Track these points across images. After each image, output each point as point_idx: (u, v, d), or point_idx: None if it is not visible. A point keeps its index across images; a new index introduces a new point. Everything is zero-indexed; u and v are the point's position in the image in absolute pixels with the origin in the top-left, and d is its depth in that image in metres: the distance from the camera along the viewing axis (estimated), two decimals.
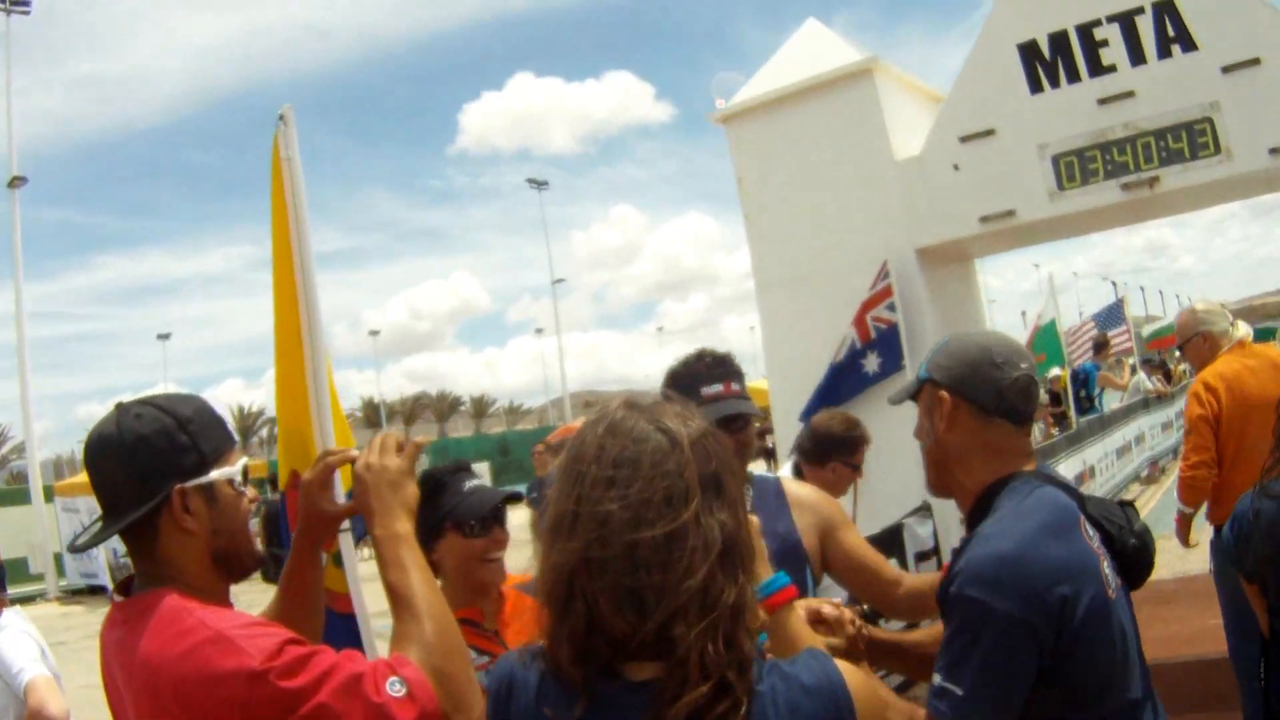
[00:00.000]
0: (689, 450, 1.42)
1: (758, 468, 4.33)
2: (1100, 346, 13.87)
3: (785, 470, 4.69)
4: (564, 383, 53.98)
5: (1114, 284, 24.80)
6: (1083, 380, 13.69)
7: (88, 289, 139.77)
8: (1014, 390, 2.01)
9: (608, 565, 1.36)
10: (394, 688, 1.58)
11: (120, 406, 1.86)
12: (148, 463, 1.77)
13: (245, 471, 1.91)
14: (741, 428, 2.68)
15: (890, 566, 2.76)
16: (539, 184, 57.44)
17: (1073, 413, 13.03)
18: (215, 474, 1.83)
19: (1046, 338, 12.32)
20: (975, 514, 2.04)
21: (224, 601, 1.85)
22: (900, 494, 5.53)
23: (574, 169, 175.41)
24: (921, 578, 2.80)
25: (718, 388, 2.71)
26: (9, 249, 24.74)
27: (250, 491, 1.92)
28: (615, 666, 1.39)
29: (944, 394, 2.04)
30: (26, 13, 27.83)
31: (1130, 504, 2.11)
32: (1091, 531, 1.93)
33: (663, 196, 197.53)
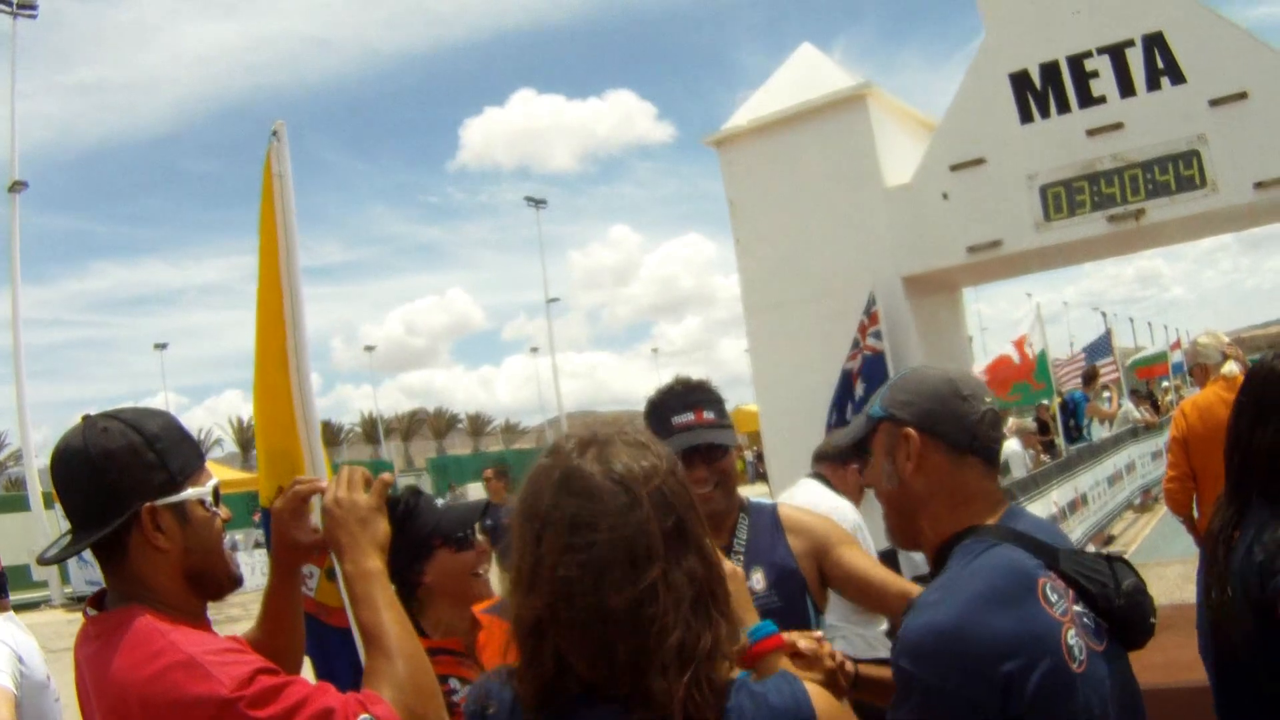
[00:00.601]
0: (648, 504, 1.38)
1: (755, 490, 4.35)
2: (1089, 378, 13.94)
3: (798, 489, 4.67)
4: (559, 402, 53.98)
5: (1103, 314, 24.86)
6: (1071, 410, 13.76)
7: (85, 296, 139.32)
8: (984, 425, 1.85)
9: (575, 623, 1.34)
10: None
11: (86, 419, 1.82)
12: (116, 479, 1.74)
13: (216, 491, 1.88)
14: (718, 457, 2.60)
15: (898, 581, 2.59)
16: (537, 202, 57.59)
17: (1062, 441, 13.09)
18: (187, 494, 1.80)
19: (1040, 367, 12.36)
20: (937, 567, 1.90)
21: (199, 621, 1.83)
22: None
23: (573, 187, 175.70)
24: None
25: (688, 417, 2.63)
26: (7, 254, 24.71)
27: (223, 512, 1.89)
28: (587, 698, 1.38)
29: (910, 431, 1.86)
30: (33, 16, 27.83)
31: (1119, 558, 1.85)
32: (1055, 596, 1.72)
33: (660, 217, 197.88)
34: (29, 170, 25.29)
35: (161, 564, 1.78)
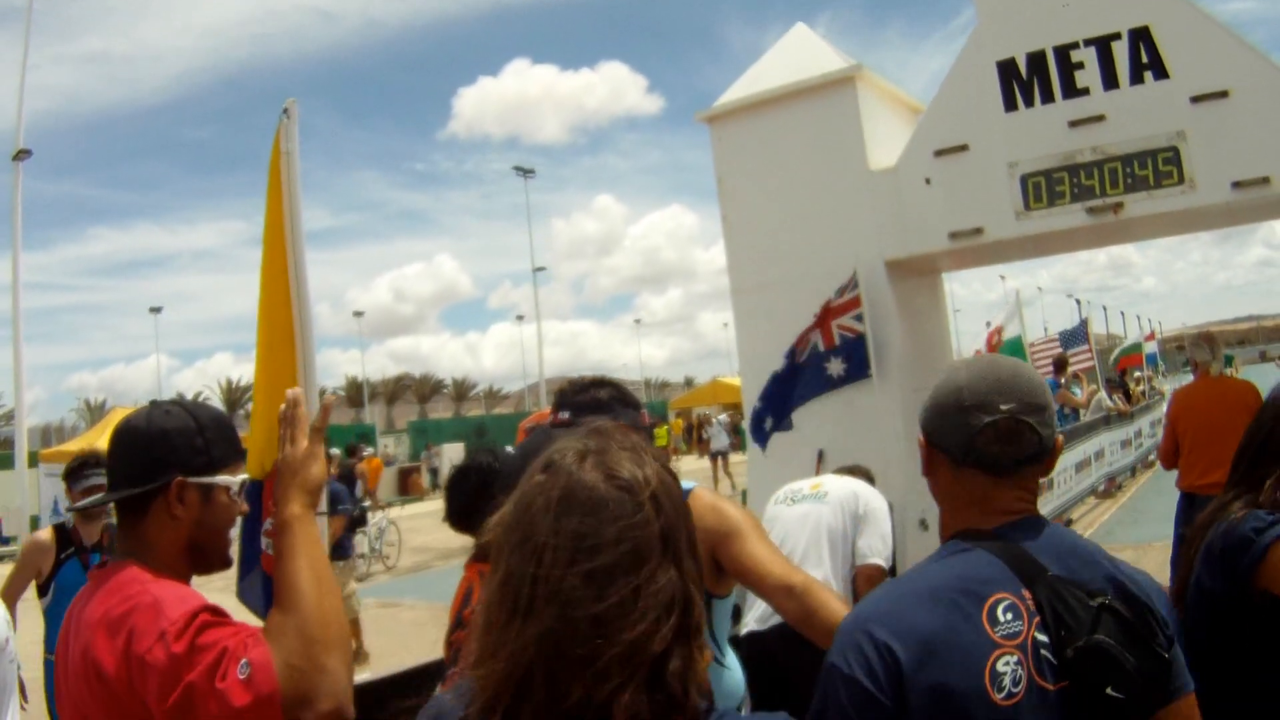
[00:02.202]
0: (649, 507, 1.34)
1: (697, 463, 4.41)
2: (1059, 366, 14.05)
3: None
4: (541, 369, 54.10)
5: (1078, 302, 24.96)
6: None
7: (81, 260, 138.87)
8: (986, 437, 1.74)
9: (568, 639, 1.27)
10: (241, 670, 1.65)
11: (154, 403, 2.10)
12: (162, 453, 1.98)
13: (243, 485, 2.09)
14: None
15: (787, 574, 2.53)
16: (525, 172, 57.27)
17: None
18: (219, 479, 2.03)
19: (1011, 353, 12.47)
20: None
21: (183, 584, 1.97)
22: None
23: (560, 158, 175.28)
24: (818, 597, 2.51)
25: (564, 415, 2.67)
26: (9, 221, 24.54)
27: (242, 504, 2.10)
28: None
29: (922, 440, 1.87)
30: None
31: (1120, 613, 1.62)
32: (1008, 616, 1.61)
33: (645, 188, 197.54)
34: (33, 138, 25.21)
35: (170, 530, 1.99)
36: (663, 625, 1.28)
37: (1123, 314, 40.36)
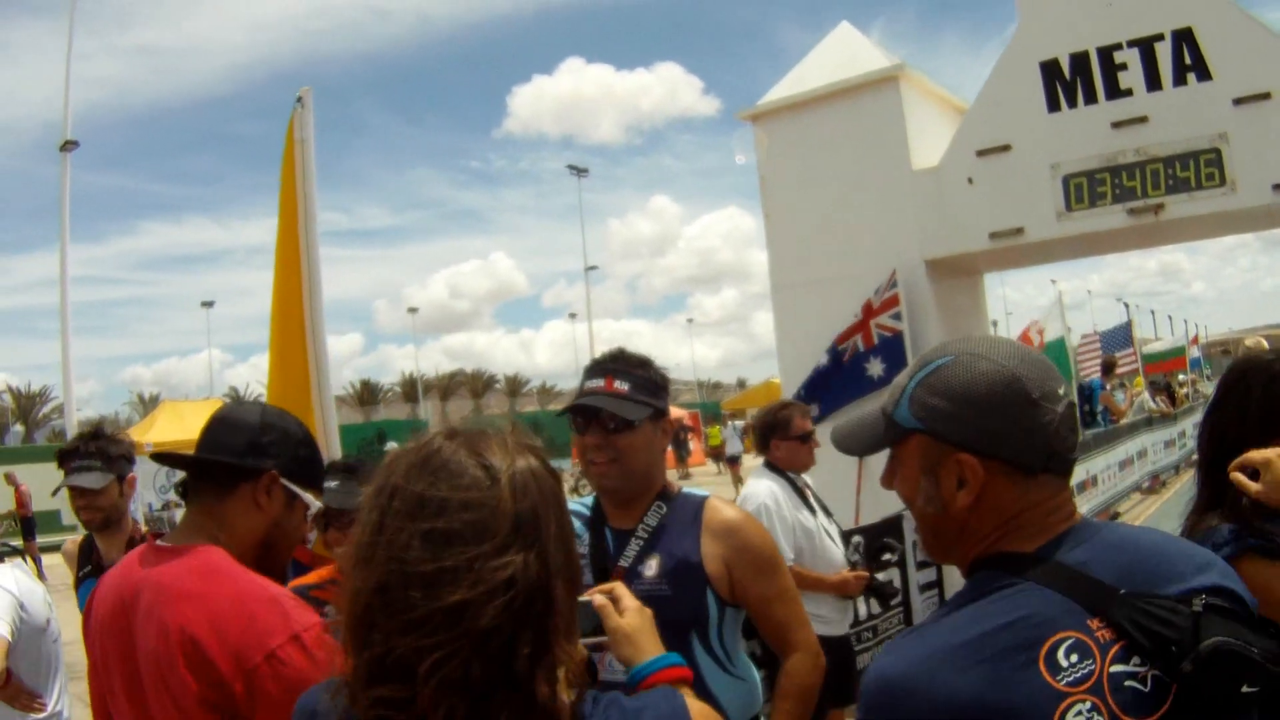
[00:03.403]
0: (505, 486, 1.31)
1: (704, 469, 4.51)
2: (1108, 368, 14.05)
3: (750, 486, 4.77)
4: None
5: (1126, 305, 24.78)
6: (1087, 395, 13.88)
7: (134, 254, 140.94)
8: (1061, 433, 1.44)
9: (398, 593, 1.27)
10: None
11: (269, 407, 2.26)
12: (268, 442, 2.09)
13: (318, 515, 2.26)
14: (618, 429, 2.50)
15: (788, 628, 2.57)
16: (579, 170, 57.80)
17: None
18: (305, 494, 2.13)
19: (1056, 354, 12.49)
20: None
21: None
22: None
23: (615, 158, 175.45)
24: (794, 678, 2.56)
25: (597, 383, 2.54)
26: (57, 212, 25.03)
27: (310, 530, 2.31)
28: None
29: (969, 459, 1.45)
30: None
31: (1218, 608, 1.37)
32: (1071, 659, 1.35)
33: (700, 189, 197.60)
34: (83, 130, 25.91)
35: (252, 519, 2.07)
36: (495, 599, 1.23)
37: (1170, 318, 39.96)
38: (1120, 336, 17.29)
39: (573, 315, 74.46)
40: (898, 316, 6.75)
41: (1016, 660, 1.32)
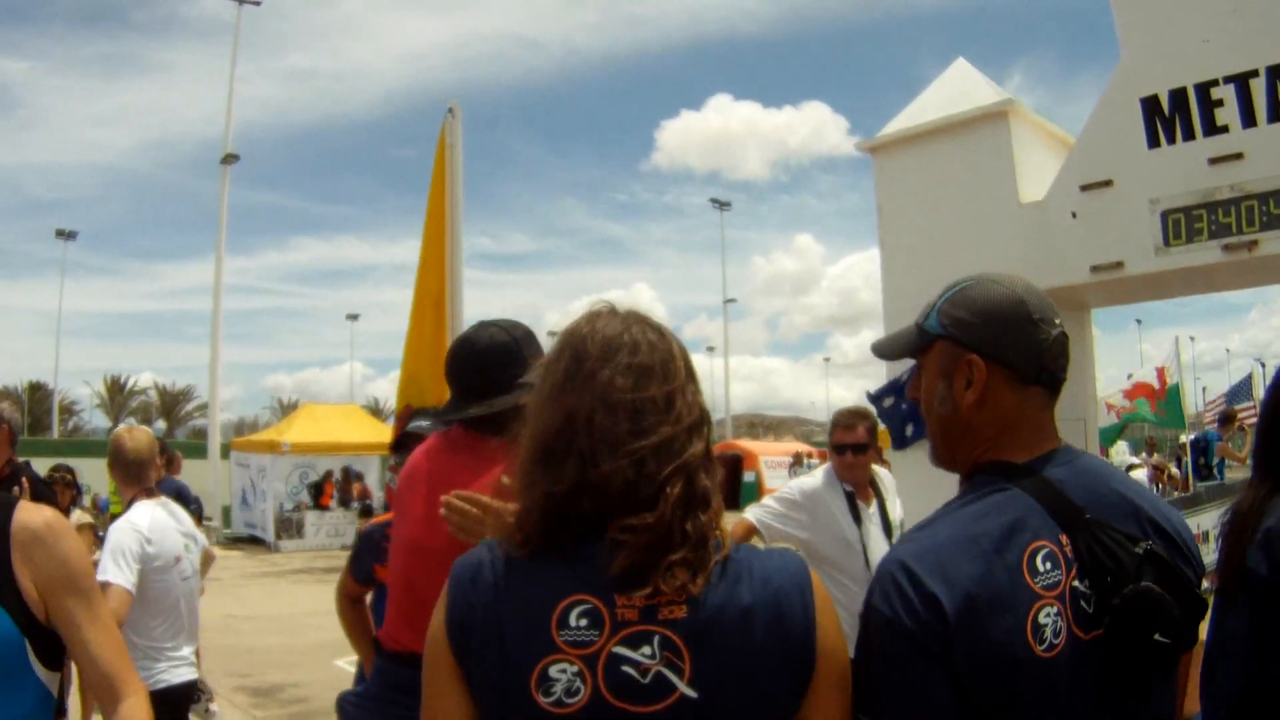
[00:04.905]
0: (672, 339, 1.58)
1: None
2: (1226, 420, 13.47)
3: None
4: (727, 403, 54.65)
5: (1261, 364, 23.66)
6: (1203, 448, 13.40)
7: (284, 267, 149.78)
8: (1053, 352, 1.71)
9: (608, 424, 1.46)
10: None
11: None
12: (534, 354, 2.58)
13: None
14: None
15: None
16: (722, 204, 58.38)
17: (1191, 476, 12.85)
18: None
19: (1172, 399, 12.19)
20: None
21: None
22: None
23: (759, 195, 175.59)
24: None
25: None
26: (214, 222, 27.22)
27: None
28: (597, 525, 1.46)
29: (976, 359, 1.72)
30: (258, 4, 30.42)
31: (1153, 553, 1.57)
32: (1046, 566, 1.57)
33: (842, 230, 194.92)
34: (240, 149, 28.09)
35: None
36: (695, 440, 1.49)
37: None
38: (1243, 390, 16.62)
39: (710, 349, 74.76)
40: None
41: (1007, 558, 1.55)
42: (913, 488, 5.18)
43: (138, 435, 4.64)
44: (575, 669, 1.39)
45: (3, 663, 1.98)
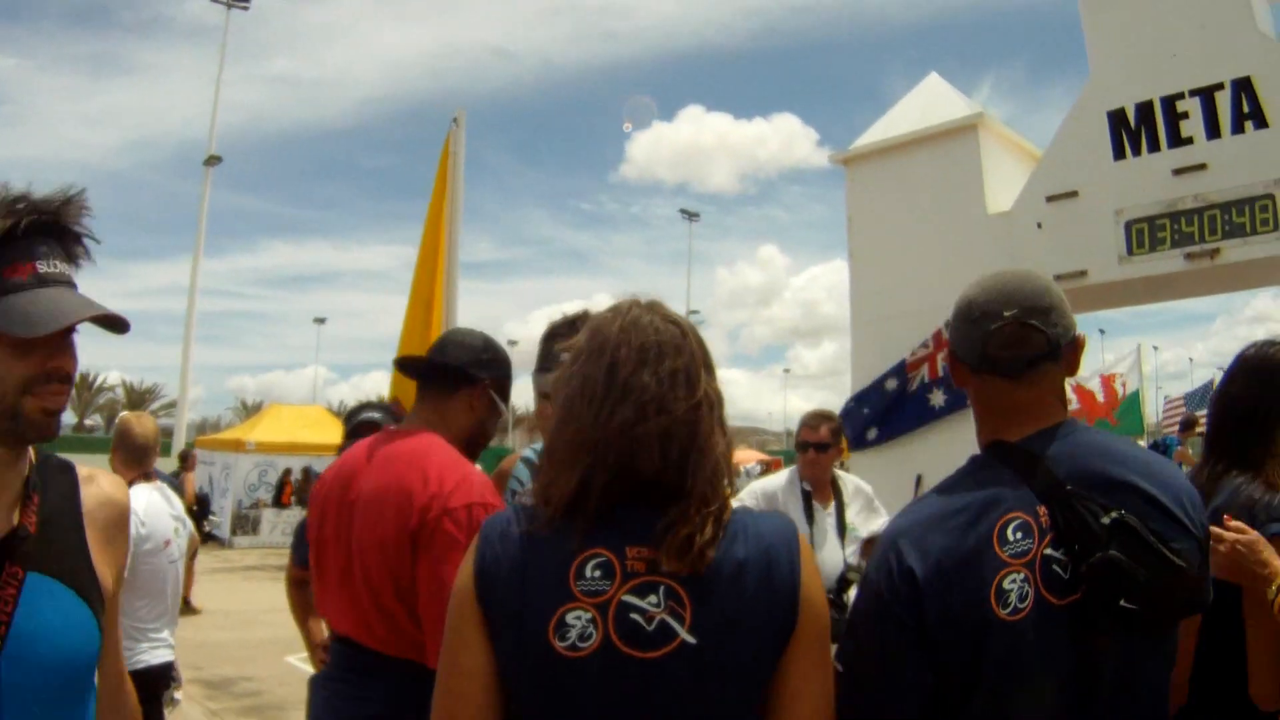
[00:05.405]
0: (693, 338, 1.71)
1: None
2: (1187, 425, 13.73)
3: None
4: None
5: (1222, 370, 24.12)
6: (1162, 450, 13.60)
7: (253, 270, 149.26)
8: (994, 344, 1.84)
9: (640, 421, 1.60)
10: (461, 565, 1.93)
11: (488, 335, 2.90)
12: (490, 360, 2.74)
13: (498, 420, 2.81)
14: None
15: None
16: (691, 215, 58.84)
17: None
18: (503, 405, 2.77)
19: (1131, 405, 12.38)
20: None
21: None
22: None
23: (727, 207, 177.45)
24: None
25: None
26: (189, 223, 27.26)
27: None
28: (624, 498, 1.61)
29: (950, 356, 1.98)
30: (246, 8, 30.38)
31: (1121, 522, 1.65)
32: (1017, 535, 1.68)
33: (808, 241, 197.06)
34: (221, 151, 28.11)
35: (465, 419, 2.68)
36: (715, 412, 1.67)
37: None
38: (1205, 395, 16.90)
39: None
40: None
41: (978, 530, 1.69)
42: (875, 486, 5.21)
43: (145, 421, 4.72)
44: (589, 616, 1.51)
45: (86, 672, 1.64)
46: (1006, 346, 1.83)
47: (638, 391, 1.61)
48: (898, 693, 1.70)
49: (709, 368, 1.71)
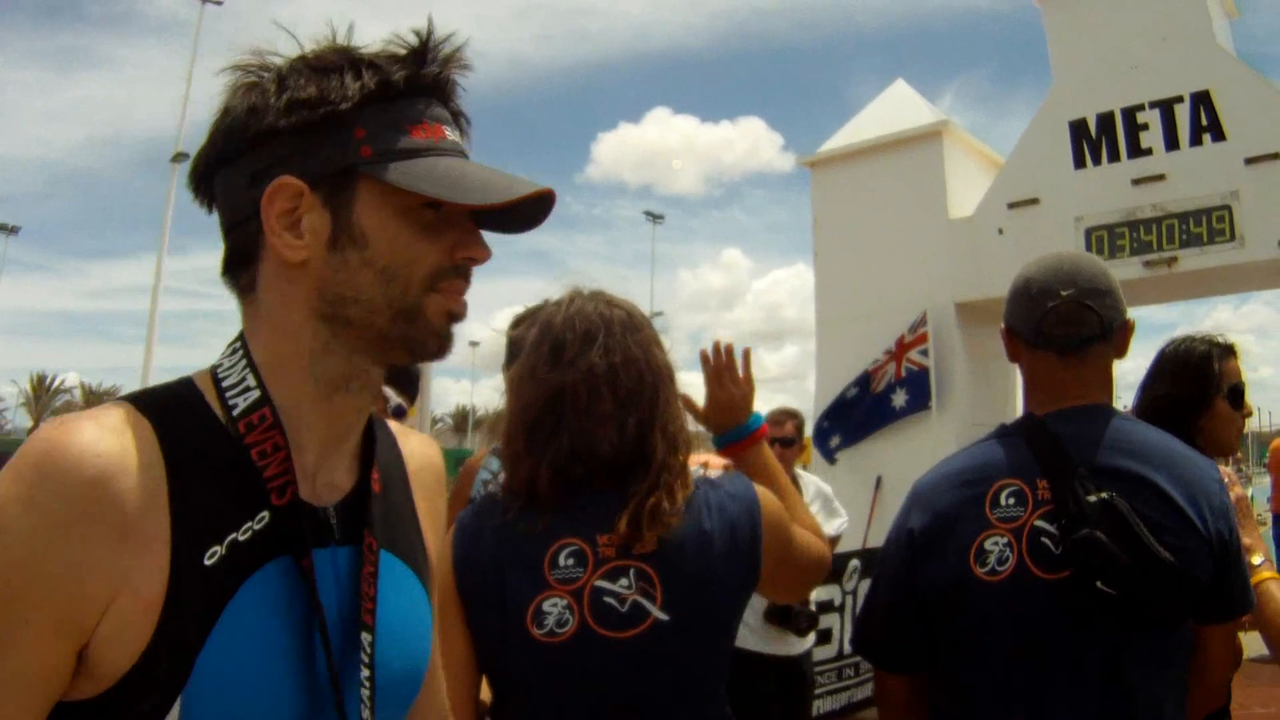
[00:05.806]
0: (639, 317, 1.73)
1: None
2: None
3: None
4: None
5: None
6: None
7: (211, 270, 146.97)
8: (1049, 321, 1.87)
9: (593, 401, 1.62)
10: None
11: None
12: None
13: None
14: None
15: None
16: (655, 217, 58.80)
17: None
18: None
19: None
20: None
21: None
22: None
23: (692, 209, 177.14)
24: None
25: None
26: (154, 222, 26.72)
27: None
28: (587, 481, 1.63)
29: (1003, 325, 2.00)
30: (220, 4, 29.90)
31: (1110, 504, 1.66)
32: (1010, 502, 1.75)
33: (771, 244, 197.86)
34: (188, 149, 27.55)
35: None
36: (668, 396, 1.67)
37: None
38: None
39: None
40: (924, 352, 7.06)
41: (976, 490, 1.77)
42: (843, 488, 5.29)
43: None
44: (565, 603, 1.56)
45: (418, 688, 1.17)
46: (1061, 324, 1.86)
47: (586, 373, 1.64)
48: (881, 617, 1.91)
49: (658, 344, 1.73)
